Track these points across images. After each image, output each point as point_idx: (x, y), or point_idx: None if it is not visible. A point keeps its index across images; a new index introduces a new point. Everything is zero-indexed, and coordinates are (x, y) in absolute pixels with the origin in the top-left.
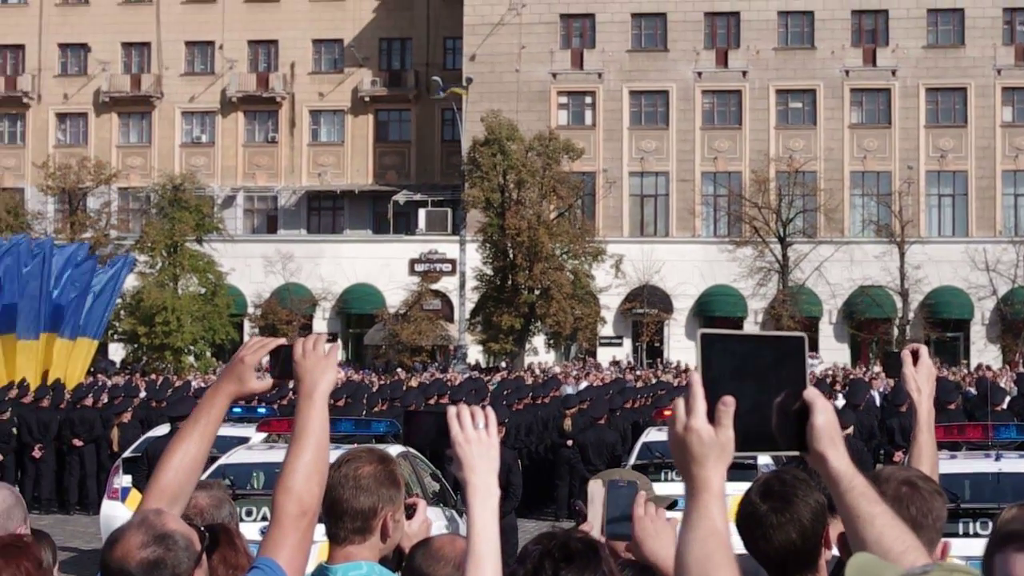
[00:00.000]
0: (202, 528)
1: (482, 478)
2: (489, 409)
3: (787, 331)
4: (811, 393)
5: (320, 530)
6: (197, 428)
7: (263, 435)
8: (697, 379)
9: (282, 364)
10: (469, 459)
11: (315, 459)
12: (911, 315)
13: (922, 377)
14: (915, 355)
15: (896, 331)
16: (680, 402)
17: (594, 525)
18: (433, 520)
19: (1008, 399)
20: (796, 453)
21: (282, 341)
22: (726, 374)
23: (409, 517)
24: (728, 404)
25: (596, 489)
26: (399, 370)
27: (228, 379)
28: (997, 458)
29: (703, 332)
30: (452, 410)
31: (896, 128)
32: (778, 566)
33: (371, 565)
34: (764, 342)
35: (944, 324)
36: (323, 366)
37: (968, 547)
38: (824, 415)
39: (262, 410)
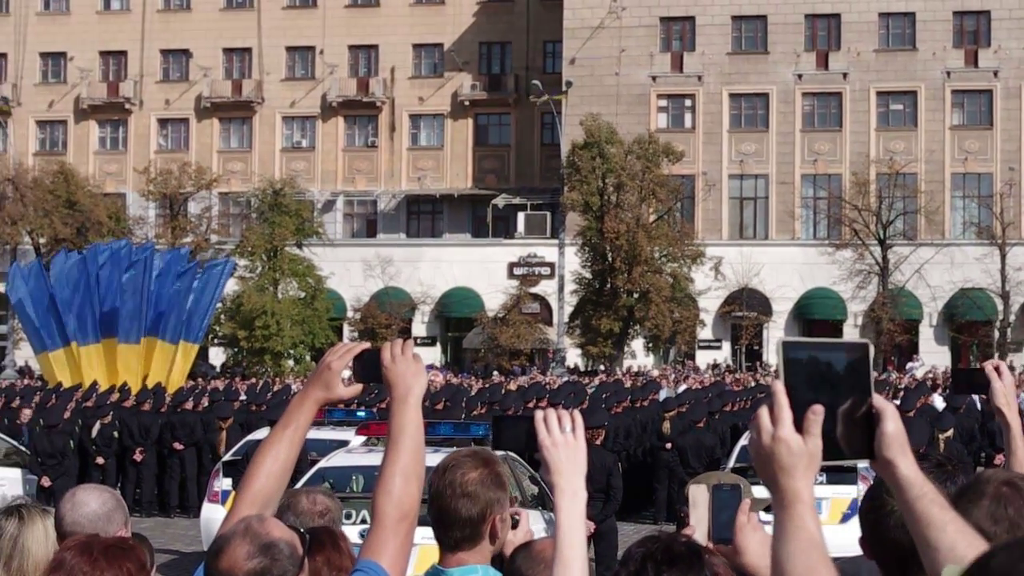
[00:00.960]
0: (303, 531)
1: (569, 481)
2: (576, 412)
3: (851, 339)
4: (880, 400)
5: (420, 532)
6: (286, 434)
7: (362, 438)
8: (780, 388)
9: (367, 368)
10: (556, 462)
11: (413, 462)
12: (1012, 317)
13: (1009, 392)
14: (997, 371)
15: (997, 333)
16: (764, 412)
17: (698, 529)
18: (532, 522)
19: None
20: (866, 462)
21: (367, 346)
22: (803, 383)
23: (513, 527)
24: (818, 413)
25: (699, 494)
26: (495, 373)
27: (315, 385)
28: None
29: (784, 340)
30: (539, 414)
31: (998, 129)
32: (905, 559)
33: (485, 568)
34: (834, 349)
35: None
36: (414, 370)
37: None
38: (894, 422)
39: (361, 413)
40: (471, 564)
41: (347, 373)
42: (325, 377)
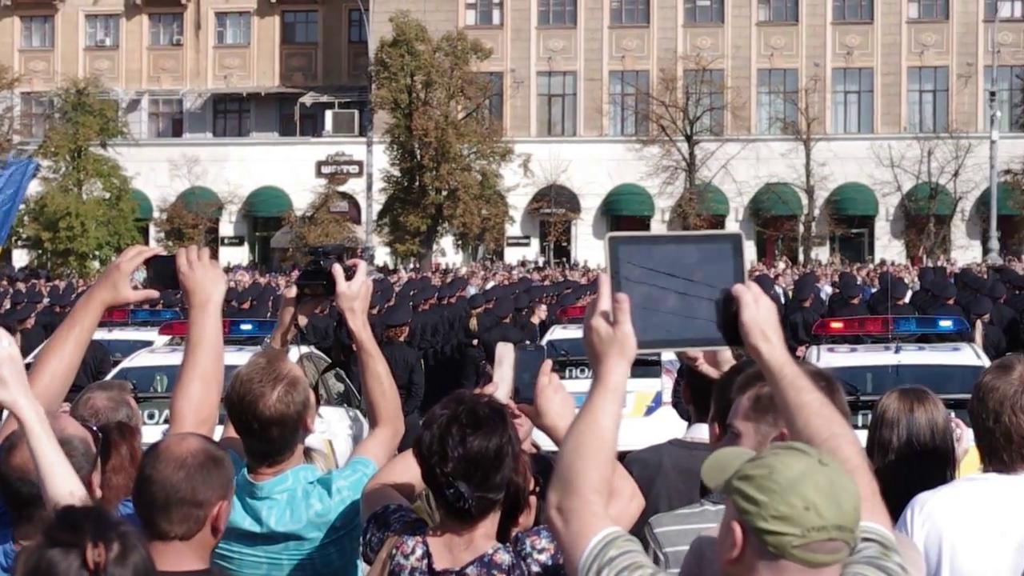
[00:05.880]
0: (95, 429)
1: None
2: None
3: (720, 230)
4: (738, 289)
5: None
6: (72, 335)
7: (166, 338)
8: (605, 279)
9: (162, 274)
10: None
11: (212, 368)
12: (816, 212)
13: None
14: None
15: (802, 228)
16: (591, 302)
17: (501, 386)
18: (337, 420)
19: (910, 293)
20: (742, 348)
21: (159, 250)
22: (639, 275)
23: (349, 278)
24: (621, 301)
25: (505, 351)
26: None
27: (103, 286)
28: (897, 350)
29: (610, 236)
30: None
31: (803, 25)
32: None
33: (295, 471)
34: (687, 242)
35: (849, 220)
36: (212, 276)
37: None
38: (750, 310)
39: (167, 313)
40: (284, 471)
41: (142, 276)
42: (114, 278)
